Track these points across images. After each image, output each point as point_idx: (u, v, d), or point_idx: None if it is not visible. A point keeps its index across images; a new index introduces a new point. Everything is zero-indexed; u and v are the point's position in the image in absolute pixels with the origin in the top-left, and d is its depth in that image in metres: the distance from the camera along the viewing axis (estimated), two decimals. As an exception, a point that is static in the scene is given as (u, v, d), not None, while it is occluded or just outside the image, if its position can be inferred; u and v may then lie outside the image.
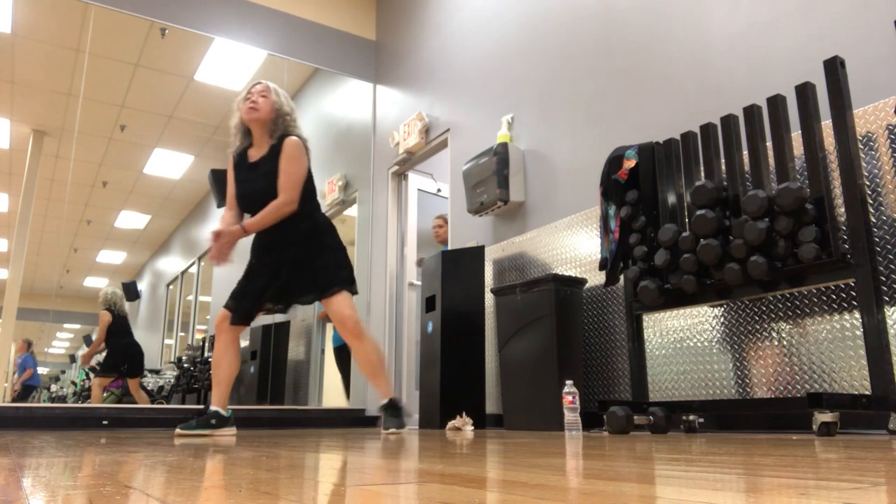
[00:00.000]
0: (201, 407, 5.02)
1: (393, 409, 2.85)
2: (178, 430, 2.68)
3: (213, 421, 2.75)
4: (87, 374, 7.13)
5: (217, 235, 2.75)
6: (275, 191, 2.85)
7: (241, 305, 2.88)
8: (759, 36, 2.81)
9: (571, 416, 2.73)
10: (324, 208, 4.00)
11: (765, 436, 2.15)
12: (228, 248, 2.78)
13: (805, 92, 2.31)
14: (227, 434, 2.76)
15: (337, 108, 6.59)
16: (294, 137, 2.93)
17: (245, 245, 2.96)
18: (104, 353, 5.65)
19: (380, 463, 1.17)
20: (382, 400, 2.89)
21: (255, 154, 3.00)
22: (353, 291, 2.92)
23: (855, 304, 2.29)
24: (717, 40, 2.99)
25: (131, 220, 7.83)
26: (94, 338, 7.89)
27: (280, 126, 2.97)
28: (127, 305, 6.10)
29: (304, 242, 2.91)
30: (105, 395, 5.59)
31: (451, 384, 3.77)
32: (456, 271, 3.97)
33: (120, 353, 5.64)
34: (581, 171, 3.66)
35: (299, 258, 2.89)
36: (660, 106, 3.23)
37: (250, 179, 2.93)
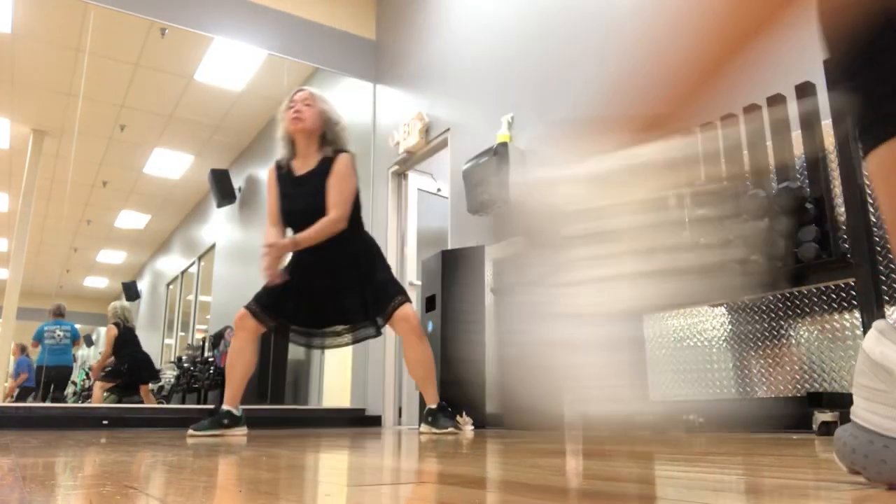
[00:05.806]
0: (203, 407, 5.01)
1: (445, 411, 2.85)
2: (189, 431, 2.65)
3: (226, 421, 2.72)
4: (86, 374, 7.13)
5: (269, 248, 2.63)
6: (324, 209, 2.70)
7: (265, 314, 2.75)
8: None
9: (571, 416, 2.73)
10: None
11: (765, 436, 2.15)
12: (276, 263, 2.67)
13: (805, 91, 2.31)
14: (239, 434, 2.75)
15: (337, 107, 6.59)
16: (346, 154, 2.80)
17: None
18: (112, 361, 5.74)
19: (380, 463, 1.17)
20: (431, 405, 2.85)
21: (300, 167, 2.82)
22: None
23: (855, 304, 2.29)
24: (717, 40, 2.99)
25: (131, 219, 7.82)
26: (94, 339, 7.90)
27: (330, 137, 2.82)
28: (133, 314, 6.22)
29: (360, 261, 2.81)
30: (105, 395, 5.62)
31: (451, 384, 3.77)
32: (456, 271, 3.97)
33: (125, 363, 5.72)
34: (581, 171, 3.66)
35: (354, 280, 2.79)
36: (660, 106, 3.23)
37: (298, 195, 2.76)
